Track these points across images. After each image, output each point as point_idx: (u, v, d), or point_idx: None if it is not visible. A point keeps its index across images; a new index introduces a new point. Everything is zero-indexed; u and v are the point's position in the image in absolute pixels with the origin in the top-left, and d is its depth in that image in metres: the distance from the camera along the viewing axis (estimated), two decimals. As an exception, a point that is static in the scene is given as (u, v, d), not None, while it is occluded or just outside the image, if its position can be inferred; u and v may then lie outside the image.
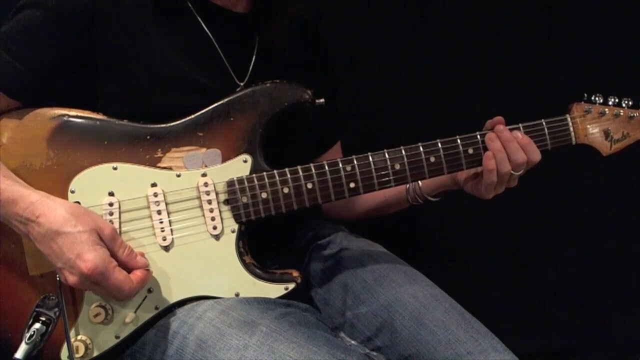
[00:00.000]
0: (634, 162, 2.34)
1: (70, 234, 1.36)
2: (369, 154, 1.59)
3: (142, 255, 1.48)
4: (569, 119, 1.68)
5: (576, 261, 2.55)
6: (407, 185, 1.84)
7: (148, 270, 1.46)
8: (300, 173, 1.56)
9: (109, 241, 1.41)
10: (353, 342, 1.69)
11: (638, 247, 2.53)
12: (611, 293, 2.57)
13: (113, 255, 1.41)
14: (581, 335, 2.57)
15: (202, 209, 1.54)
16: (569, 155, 1.98)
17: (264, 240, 1.60)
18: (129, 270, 1.43)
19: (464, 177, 1.73)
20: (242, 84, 1.67)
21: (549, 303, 2.57)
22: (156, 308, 1.51)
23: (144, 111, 1.55)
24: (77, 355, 1.46)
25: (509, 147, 1.61)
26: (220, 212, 1.54)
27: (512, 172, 1.62)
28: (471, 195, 1.73)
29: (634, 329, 2.56)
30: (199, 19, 1.64)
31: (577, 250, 2.55)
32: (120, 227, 1.50)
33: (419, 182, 1.81)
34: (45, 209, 1.38)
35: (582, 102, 1.69)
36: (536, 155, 1.63)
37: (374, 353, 1.65)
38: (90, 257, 1.35)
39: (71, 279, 1.36)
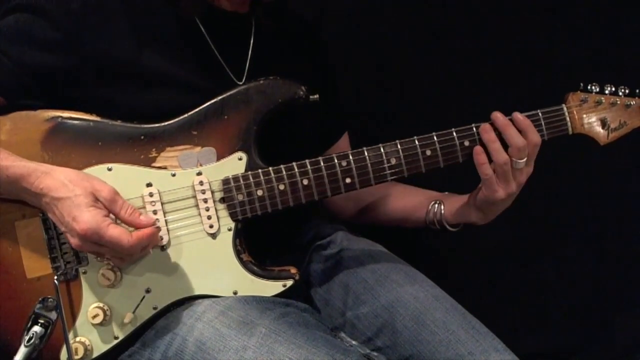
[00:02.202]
0: (634, 162, 2.36)
1: (67, 198, 1.39)
2: (365, 148, 1.58)
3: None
4: (564, 108, 1.66)
5: (576, 261, 2.55)
6: (429, 207, 1.79)
7: (154, 227, 1.46)
8: (296, 169, 1.56)
9: (108, 203, 1.42)
10: (354, 342, 1.68)
11: (638, 247, 2.53)
12: (611, 293, 2.57)
13: (116, 216, 1.42)
14: (581, 335, 2.56)
15: (198, 208, 1.53)
16: (569, 155, 1.98)
17: (263, 240, 1.60)
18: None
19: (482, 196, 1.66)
20: (240, 83, 1.66)
21: (549, 303, 2.56)
22: (154, 308, 1.51)
23: (140, 112, 1.55)
24: (76, 357, 1.47)
25: (506, 132, 1.58)
26: (216, 210, 1.54)
27: (513, 159, 1.58)
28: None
29: (634, 329, 2.55)
30: (195, 19, 1.64)
31: (577, 250, 2.54)
32: (116, 227, 1.50)
33: (442, 206, 1.77)
34: (48, 180, 1.41)
35: (579, 92, 1.67)
36: (536, 137, 1.59)
37: (375, 353, 1.65)
38: (82, 218, 1.37)
39: (73, 241, 1.40)
